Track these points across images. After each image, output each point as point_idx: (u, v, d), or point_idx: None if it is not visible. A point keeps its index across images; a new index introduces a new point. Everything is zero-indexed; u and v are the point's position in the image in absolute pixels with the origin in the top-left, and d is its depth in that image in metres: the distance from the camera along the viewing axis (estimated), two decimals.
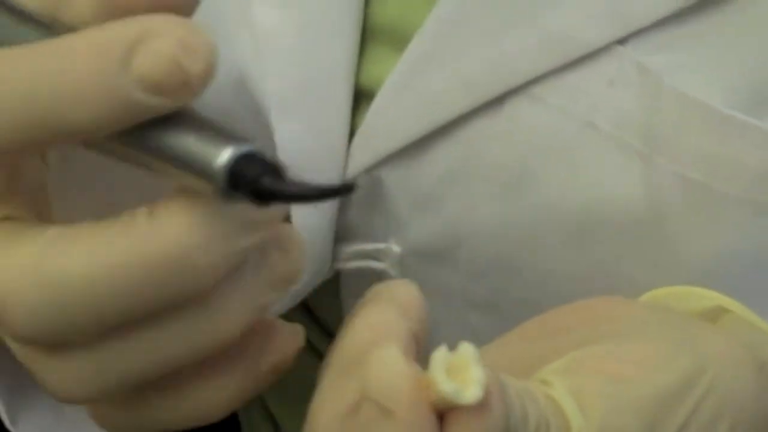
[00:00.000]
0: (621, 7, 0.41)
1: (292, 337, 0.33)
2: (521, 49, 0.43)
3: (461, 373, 0.29)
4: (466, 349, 0.30)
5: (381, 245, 0.49)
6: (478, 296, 0.48)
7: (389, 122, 0.46)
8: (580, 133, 0.43)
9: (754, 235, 0.43)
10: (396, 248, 0.49)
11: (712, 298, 0.40)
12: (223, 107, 0.49)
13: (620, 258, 0.44)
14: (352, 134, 0.48)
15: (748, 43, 0.41)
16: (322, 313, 0.58)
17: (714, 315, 0.39)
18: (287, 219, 0.48)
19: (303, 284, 0.50)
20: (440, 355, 0.29)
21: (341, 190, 0.29)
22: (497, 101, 0.44)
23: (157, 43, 0.27)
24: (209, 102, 0.50)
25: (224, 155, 0.28)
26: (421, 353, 0.32)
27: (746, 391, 0.35)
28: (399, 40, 0.46)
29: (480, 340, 0.48)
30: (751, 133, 0.41)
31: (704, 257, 0.43)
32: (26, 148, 0.29)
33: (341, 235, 0.50)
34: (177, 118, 0.29)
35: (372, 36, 0.47)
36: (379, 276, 0.50)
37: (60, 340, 0.30)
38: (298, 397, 0.61)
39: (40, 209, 0.33)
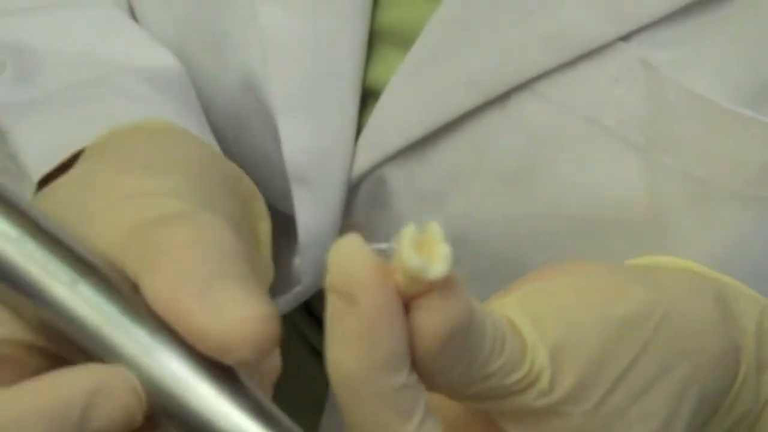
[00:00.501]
0: (624, 4, 0.42)
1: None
2: (525, 46, 0.43)
3: (428, 249, 0.29)
4: (433, 227, 0.29)
5: (383, 245, 0.49)
6: (481, 295, 0.48)
7: (394, 121, 0.46)
8: (583, 130, 0.43)
9: (754, 231, 0.43)
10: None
11: (684, 263, 0.40)
12: (231, 108, 0.49)
13: (621, 254, 0.44)
14: (359, 134, 0.48)
15: (751, 39, 0.41)
16: (321, 311, 0.58)
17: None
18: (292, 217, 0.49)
19: (306, 287, 0.50)
20: (408, 231, 0.29)
21: None
22: (501, 99, 0.44)
23: (108, 406, 0.28)
24: (217, 104, 0.50)
25: None
26: None
27: (704, 319, 0.35)
28: (405, 41, 0.46)
29: None
30: (754, 128, 0.41)
31: (705, 253, 0.43)
32: None
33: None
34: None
35: (379, 37, 0.48)
36: None
37: None
38: (296, 394, 0.61)
39: None
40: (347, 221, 0.49)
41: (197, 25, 0.49)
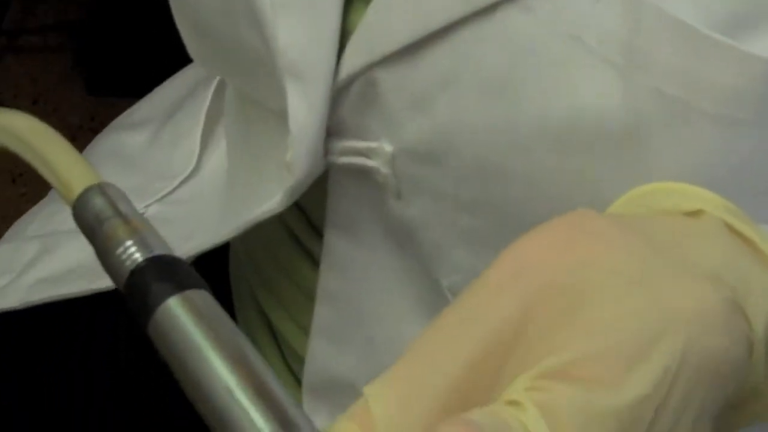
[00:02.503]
0: None
1: None
2: None
3: None
4: None
5: (374, 143, 0.51)
6: (467, 198, 0.49)
7: (386, 25, 0.47)
8: (566, 46, 0.44)
9: (727, 149, 0.44)
10: (388, 147, 0.50)
11: (693, 195, 0.41)
12: (220, 7, 0.51)
13: (599, 168, 0.45)
14: (345, 34, 0.49)
15: None
16: (310, 208, 0.59)
17: (695, 213, 0.40)
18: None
19: (299, 179, 0.52)
20: None
21: None
22: (489, 9, 0.45)
23: None
24: (209, 1, 0.51)
25: None
26: None
27: (718, 354, 0.35)
28: None
29: (468, 241, 0.50)
30: (726, 53, 0.42)
31: (678, 170, 0.44)
32: None
33: (334, 130, 0.52)
34: None
35: None
36: (368, 174, 0.51)
37: None
38: (289, 296, 0.63)
39: None
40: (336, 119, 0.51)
41: None
